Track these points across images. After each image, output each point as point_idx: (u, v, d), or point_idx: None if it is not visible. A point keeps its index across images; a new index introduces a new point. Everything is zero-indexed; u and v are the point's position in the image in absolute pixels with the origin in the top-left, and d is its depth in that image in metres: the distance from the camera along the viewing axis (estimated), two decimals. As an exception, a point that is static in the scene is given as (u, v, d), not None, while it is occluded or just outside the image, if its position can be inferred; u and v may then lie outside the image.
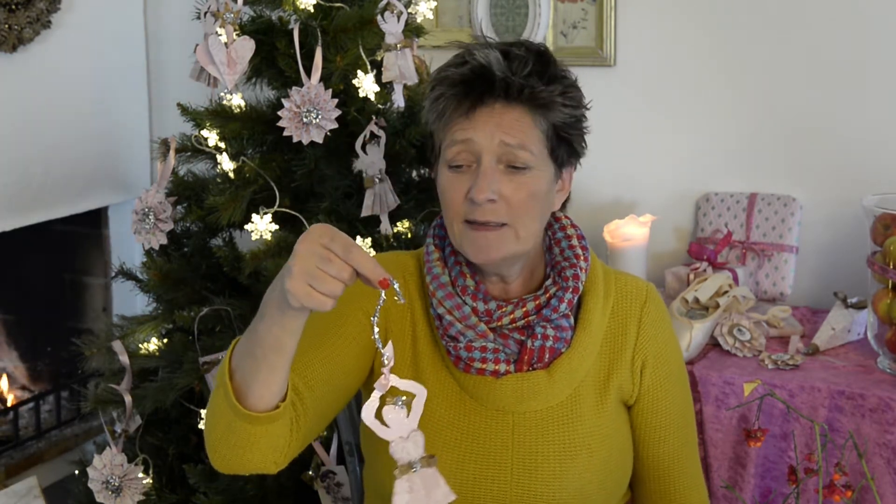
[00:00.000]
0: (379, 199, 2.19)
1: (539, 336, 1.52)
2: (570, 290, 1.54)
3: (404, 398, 1.28)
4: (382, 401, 1.28)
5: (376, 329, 1.28)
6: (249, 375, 1.32)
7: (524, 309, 1.52)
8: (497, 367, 1.51)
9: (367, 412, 1.27)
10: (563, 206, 1.60)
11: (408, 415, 1.28)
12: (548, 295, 1.53)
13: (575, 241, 1.58)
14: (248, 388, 1.33)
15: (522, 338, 1.53)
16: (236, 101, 2.25)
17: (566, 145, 1.52)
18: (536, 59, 1.48)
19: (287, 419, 1.38)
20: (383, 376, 1.27)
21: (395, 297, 1.26)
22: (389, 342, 1.32)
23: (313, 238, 1.24)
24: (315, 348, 1.48)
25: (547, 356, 1.52)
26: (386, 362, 1.28)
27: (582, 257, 1.57)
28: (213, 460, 1.41)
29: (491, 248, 1.48)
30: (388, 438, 1.27)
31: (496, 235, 1.48)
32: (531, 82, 1.46)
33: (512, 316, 1.52)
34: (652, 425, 1.61)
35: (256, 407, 1.34)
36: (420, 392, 1.29)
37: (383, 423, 1.27)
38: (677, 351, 1.66)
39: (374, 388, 1.28)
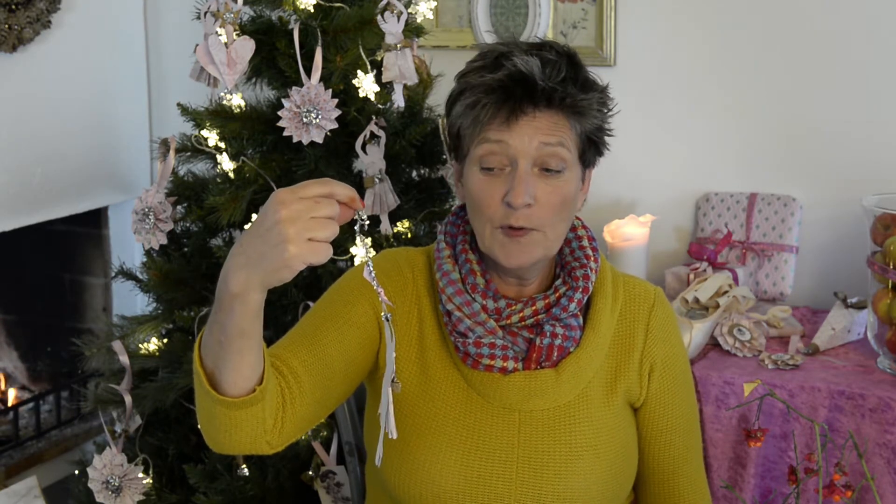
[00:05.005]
0: (379, 199, 2.19)
1: (548, 334, 1.52)
2: (580, 289, 1.54)
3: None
4: None
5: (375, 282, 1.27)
6: (220, 362, 1.30)
7: (534, 307, 1.53)
8: (505, 364, 1.51)
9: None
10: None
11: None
12: (557, 294, 1.54)
13: (585, 242, 1.59)
14: (219, 374, 1.30)
15: (531, 336, 1.54)
16: (236, 101, 2.25)
17: (594, 148, 1.54)
18: (568, 63, 1.49)
19: (271, 401, 1.36)
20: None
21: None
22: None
23: (285, 201, 1.18)
24: (317, 333, 1.49)
25: (555, 354, 1.53)
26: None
27: (592, 258, 1.57)
28: (207, 442, 1.41)
29: (523, 253, 1.49)
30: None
31: (527, 240, 1.48)
32: (569, 90, 1.47)
33: (521, 314, 1.52)
34: (658, 429, 1.61)
35: (231, 392, 1.31)
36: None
37: None
38: (684, 355, 1.66)
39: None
